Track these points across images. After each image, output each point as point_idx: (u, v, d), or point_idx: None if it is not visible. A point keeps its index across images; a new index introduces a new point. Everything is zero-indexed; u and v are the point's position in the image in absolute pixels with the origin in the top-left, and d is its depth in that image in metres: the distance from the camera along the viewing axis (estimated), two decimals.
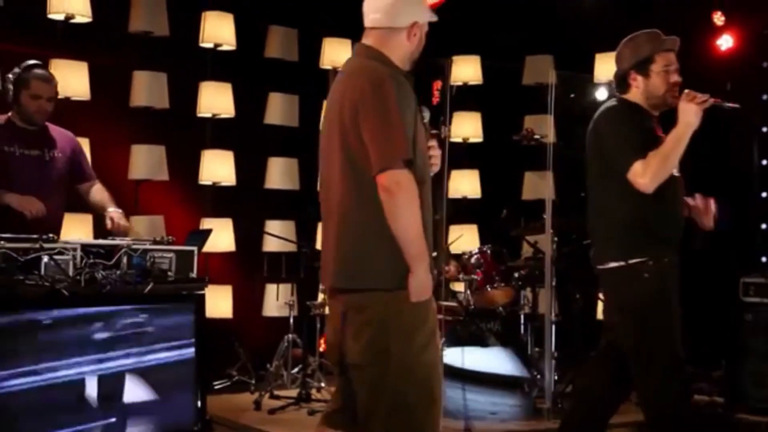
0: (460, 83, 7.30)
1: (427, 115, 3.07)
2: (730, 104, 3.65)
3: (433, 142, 3.09)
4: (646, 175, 3.52)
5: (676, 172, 3.67)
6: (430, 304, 2.94)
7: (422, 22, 3.06)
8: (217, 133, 6.57)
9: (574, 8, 6.82)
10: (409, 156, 2.82)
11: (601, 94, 6.97)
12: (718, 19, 6.62)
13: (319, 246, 6.67)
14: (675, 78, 3.67)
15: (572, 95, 6.73)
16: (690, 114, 3.52)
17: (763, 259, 6.57)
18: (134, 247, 3.94)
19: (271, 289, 6.55)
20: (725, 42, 6.66)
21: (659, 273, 3.59)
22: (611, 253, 3.67)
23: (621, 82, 3.77)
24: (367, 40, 3.05)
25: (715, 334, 6.09)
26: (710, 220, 3.84)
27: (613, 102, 3.77)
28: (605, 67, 7.08)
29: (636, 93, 3.71)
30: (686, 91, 3.59)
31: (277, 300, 6.32)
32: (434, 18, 3.10)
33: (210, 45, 6.45)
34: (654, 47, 3.70)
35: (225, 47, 6.46)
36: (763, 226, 6.77)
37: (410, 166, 2.83)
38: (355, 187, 2.89)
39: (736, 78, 6.71)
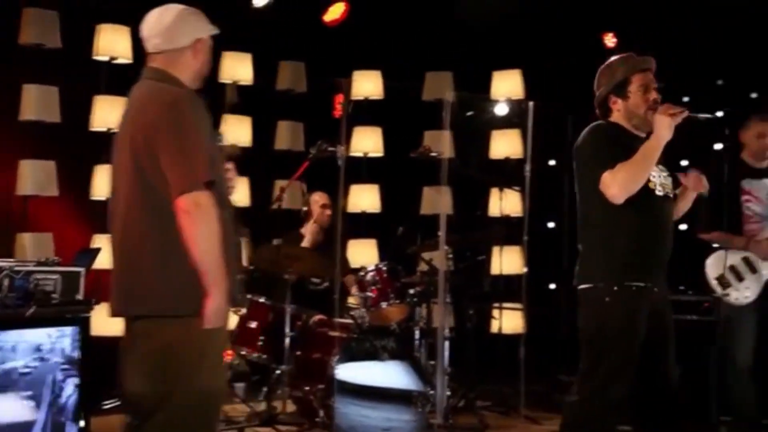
0: (361, 98, 7.35)
1: (222, 137, 3.05)
2: (705, 115, 3.68)
3: (230, 165, 3.08)
4: (614, 185, 3.54)
5: (659, 191, 3.68)
6: (222, 332, 2.88)
7: (205, 37, 3.03)
8: (111, 148, 6.46)
9: (474, 27, 6.95)
10: (209, 178, 2.76)
11: (500, 109, 7.11)
12: (609, 40, 6.81)
13: None
14: (653, 95, 3.70)
15: (469, 113, 6.85)
16: (663, 126, 3.55)
17: None
18: (16, 269, 3.85)
19: None
20: None
21: (622, 299, 3.59)
22: (581, 274, 3.72)
23: (603, 109, 3.81)
24: (153, 63, 2.99)
25: None
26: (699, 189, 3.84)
27: (595, 123, 3.81)
28: (503, 84, 7.25)
29: (618, 116, 3.75)
30: (664, 104, 3.64)
31: None
32: (215, 31, 3.07)
33: (105, 58, 6.35)
34: (628, 69, 3.74)
35: (120, 60, 6.37)
36: None
37: (211, 188, 2.77)
38: (149, 212, 2.81)
39: None
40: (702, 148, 6.51)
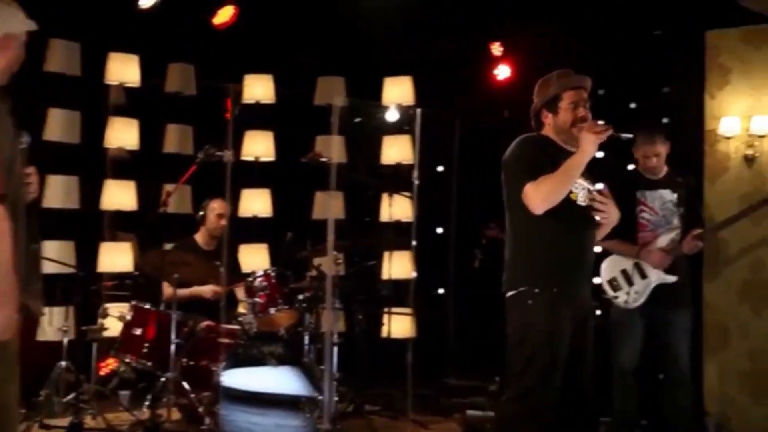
0: (252, 102, 7.30)
1: (26, 139, 2.93)
2: (626, 135, 3.80)
3: (31, 168, 2.96)
4: (536, 196, 3.66)
5: (582, 202, 3.78)
6: (10, 344, 2.75)
7: (17, 33, 2.86)
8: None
9: (367, 32, 6.98)
10: (2, 191, 2.59)
11: (390, 115, 7.17)
12: (497, 49, 6.95)
13: (100, 268, 6.52)
14: (582, 113, 3.82)
15: (357, 119, 6.89)
16: (588, 142, 3.66)
17: None
18: None
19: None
20: (503, 72, 7.00)
21: (545, 303, 3.69)
22: (507, 281, 3.82)
23: (536, 121, 3.95)
24: None
25: (490, 349, 6.35)
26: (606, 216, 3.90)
27: (524, 135, 3.90)
28: (393, 90, 7.31)
29: (548, 129, 3.89)
30: (590, 121, 3.76)
31: (51, 324, 6.07)
32: (32, 27, 2.92)
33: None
34: (561, 85, 3.86)
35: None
36: None
37: (3, 201, 2.59)
38: None
39: (514, 106, 7.07)
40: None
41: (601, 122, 3.76)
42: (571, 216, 3.76)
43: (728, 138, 6.00)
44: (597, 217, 3.90)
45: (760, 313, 5.87)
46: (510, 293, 3.82)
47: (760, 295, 5.88)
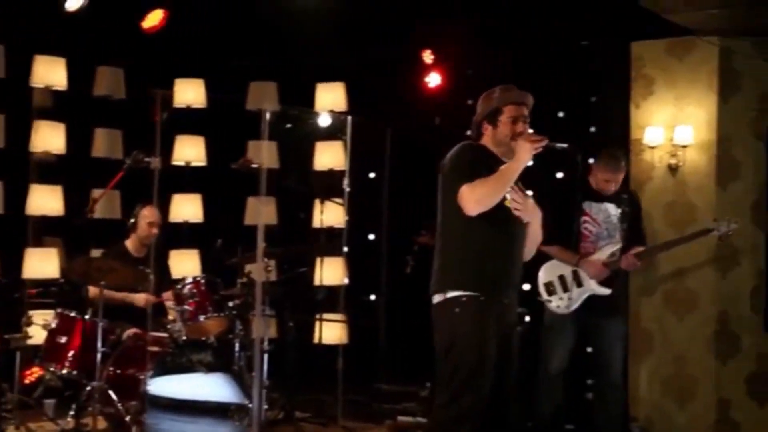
0: (183, 106, 7.23)
1: None
2: (561, 145, 3.90)
3: None
4: (471, 198, 3.73)
5: (515, 210, 3.83)
6: None
7: None
8: None
9: (300, 38, 6.97)
10: None
11: (323, 121, 7.16)
12: (428, 57, 6.99)
13: (26, 275, 6.38)
14: (520, 128, 3.89)
15: (288, 125, 6.87)
16: (524, 151, 3.76)
17: None
18: None
19: None
20: (434, 79, 7.05)
21: (472, 310, 3.75)
22: (435, 286, 3.86)
23: (476, 131, 4.00)
24: None
25: (421, 354, 6.38)
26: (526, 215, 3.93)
27: (463, 142, 3.96)
28: (325, 96, 7.31)
29: (487, 140, 3.96)
30: (528, 132, 3.85)
31: None
32: None
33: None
34: (503, 99, 3.93)
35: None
36: None
37: None
38: None
39: (445, 114, 7.14)
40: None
41: (539, 135, 3.84)
42: (503, 222, 3.84)
43: (652, 147, 6.15)
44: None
45: (683, 319, 6.02)
46: (437, 298, 3.86)
47: (683, 302, 6.03)
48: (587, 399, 5.88)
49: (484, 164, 3.84)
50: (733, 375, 5.92)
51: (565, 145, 3.95)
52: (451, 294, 3.81)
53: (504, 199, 3.83)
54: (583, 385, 5.95)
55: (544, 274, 5.33)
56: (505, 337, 3.85)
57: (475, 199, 3.75)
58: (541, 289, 5.31)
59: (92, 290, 5.62)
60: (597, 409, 5.37)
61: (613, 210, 5.30)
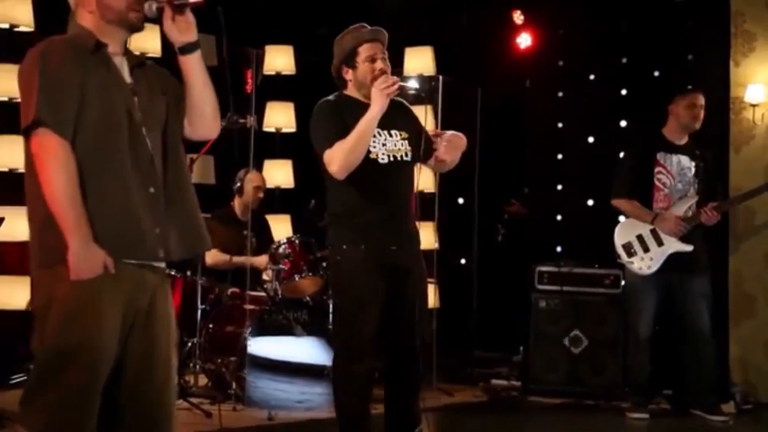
0: (273, 72, 7.27)
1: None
2: (413, 86, 3.81)
3: None
4: (333, 163, 3.65)
5: (383, 159, 3.74)
6: (96, 283, 2.55)
7: None
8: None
9: (387, 3, 6.95)
10: (36, 116, 2.53)
11: (412, 84, 7.12)
12: (518, 17, 6.90)
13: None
14: (380, 65, 3.77)
15: None
16: (378, 99, 3.63)
17: (558, 248, 6.93)
18: None
19: None
20: (524, 40, 6.95)
21: (350, 259, 3.76)
22: (327, 239, 3.92)
23: (339, 80, 3.91)
24: None
25: (514, 321, 6.37)
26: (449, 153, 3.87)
27: (321, 100, 3.88)
28: (414, 60, 7.25)
29: (351, 87, 3.86)
30: (380, 78, 3.68)
31: None
32: None
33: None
34: (355, 39, 3.83)
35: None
36: (558, 217, 7.15)
37: (41, 126, 2.53)
38: (26, 156, 2.65)
39: (535, 75, 7.04)
40: (607, 124, 6.69)
41: (390, 77, 3.70)
42: (373, 176, 3.74)
43: (754, 105, 5.96)
44: (438, 155, 3.85)
45: None
46: (327, 251, 4.04)
47: None
48: (681, 362, 5.76)
49: (348, 117, 3.71)
50: None
51: (416, 86, 3.85)
52: (334, 246, 3.84)
53: (368, 152, 3.70)
54: (675, 348, 5.84)
55: (620, 235, 5.21)
56: (399, 286, 3.78)
57: (337, 164, 3.65)
58: (620, 251, 5.20)
59: (212, 255, 5.68)
60: (690, 366, 5.27)
61: (686, 162, 5.18)
